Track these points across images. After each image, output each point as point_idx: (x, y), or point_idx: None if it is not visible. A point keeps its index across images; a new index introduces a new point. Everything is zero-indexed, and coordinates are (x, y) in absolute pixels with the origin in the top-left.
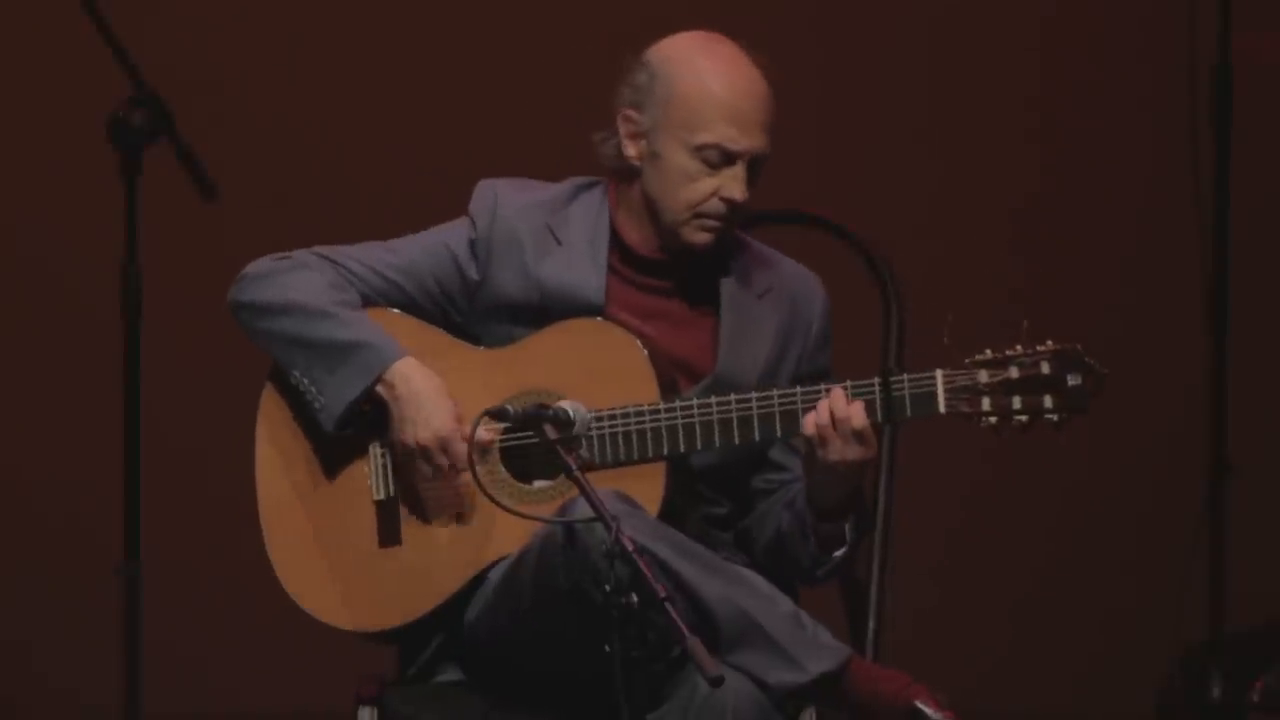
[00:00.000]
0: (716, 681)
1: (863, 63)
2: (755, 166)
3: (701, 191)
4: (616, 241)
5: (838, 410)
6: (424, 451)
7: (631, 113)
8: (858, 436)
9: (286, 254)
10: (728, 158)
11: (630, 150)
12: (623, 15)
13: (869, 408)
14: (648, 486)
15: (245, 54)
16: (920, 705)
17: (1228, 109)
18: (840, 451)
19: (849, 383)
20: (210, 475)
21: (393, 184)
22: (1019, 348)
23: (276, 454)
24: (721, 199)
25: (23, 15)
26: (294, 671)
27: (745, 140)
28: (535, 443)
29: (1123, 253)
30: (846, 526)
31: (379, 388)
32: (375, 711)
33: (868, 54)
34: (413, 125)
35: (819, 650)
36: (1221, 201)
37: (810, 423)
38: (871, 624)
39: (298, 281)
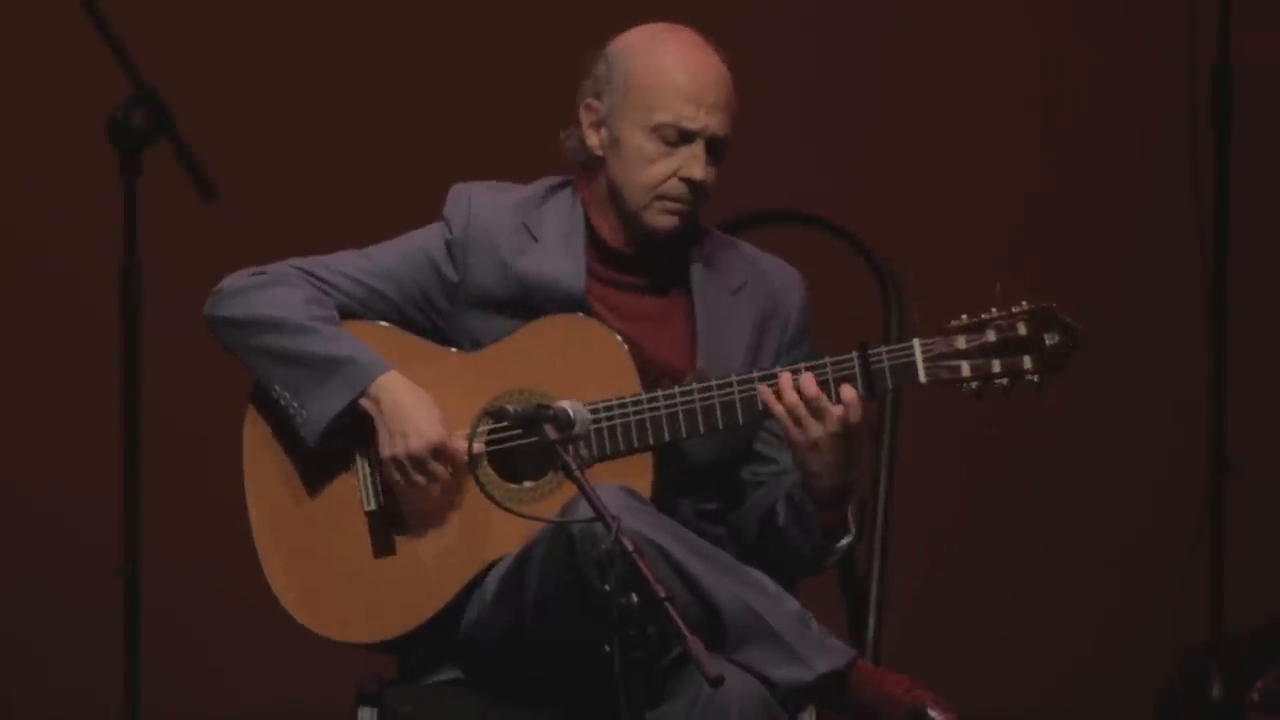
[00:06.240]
0: (716, 682)
1: (862, 63)
2: (715, 148)
3: (661, 172)
4: (591, 237)
5: (807, 389)
6: (417, 461)
7: (592, 101)
8: (833, 416)
9: (262, 268)
10: (685, 136)
11: (592, 140)
12: (622, 17)
13: (850, 382)
14: (635, 483)
15: (244, 54)
16: (925, 709)
17: (1228, 109)
18: (819, 428)
19: (828, 358)
20: (210, 475)
21: (391, 182)
22: (994, 310)
23: (264, 475)
24: (681, 179)
25: (23, 15)
26: (294, 671)
27: (702, 118)
28: (520, 443)
29: (1123, 253)
30: (849, 513)
31: (363, 402)
32: (375, 711)
33: (867, 54)
34: (412, 124)
35: (825, 650)
36: (1221, 201)
37: (782, 410)
38: (871, 624)
39: (276, 297)
